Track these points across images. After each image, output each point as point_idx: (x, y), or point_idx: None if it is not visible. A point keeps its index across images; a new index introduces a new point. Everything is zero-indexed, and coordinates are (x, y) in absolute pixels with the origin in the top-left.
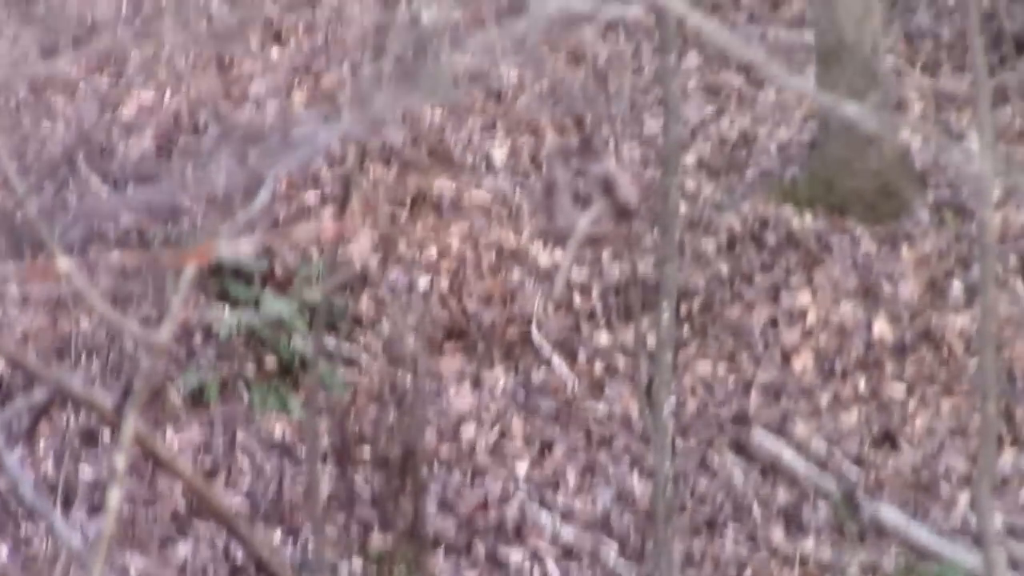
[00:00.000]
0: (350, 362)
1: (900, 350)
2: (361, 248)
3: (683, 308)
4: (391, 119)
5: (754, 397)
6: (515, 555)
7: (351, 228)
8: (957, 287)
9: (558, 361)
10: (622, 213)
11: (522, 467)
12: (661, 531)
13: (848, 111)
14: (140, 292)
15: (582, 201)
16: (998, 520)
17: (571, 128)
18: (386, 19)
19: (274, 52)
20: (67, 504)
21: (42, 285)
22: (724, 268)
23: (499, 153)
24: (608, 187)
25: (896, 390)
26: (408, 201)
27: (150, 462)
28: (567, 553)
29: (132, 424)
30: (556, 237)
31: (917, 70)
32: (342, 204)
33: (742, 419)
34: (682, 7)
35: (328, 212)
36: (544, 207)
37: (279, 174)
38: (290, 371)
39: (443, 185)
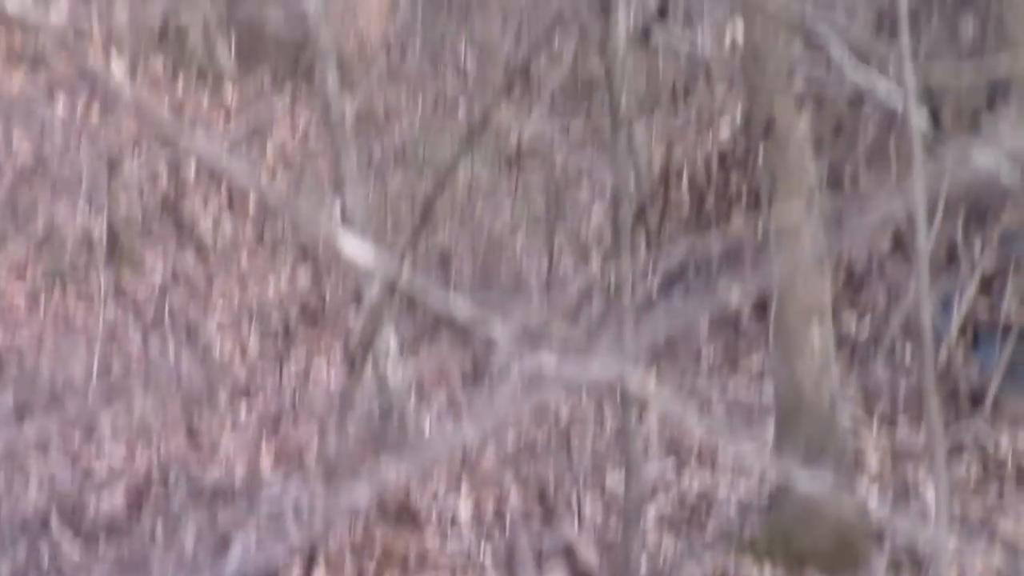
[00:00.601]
0: None
1: None
2: None
3: None
4: (357, 479)
5: None
6: None
7: None
8: None
9: None
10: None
11: None
12: None
13: (801, 479)
14: None
15: (544, 562)
16: None
17: (534, 486)
18: (353, 379)
19: (242, 410)
20: None
21: None
22: None
23: (464, 510)
24: (569, 550)
25: None
26: (374, 558)
27: None
28: None
29: None
30: None
31: (874, 423)
32: (309, 562)
33: None
34: (641, 383)
35: (296, 571)
36: (507, 570)
37: (247, 535)
38: None
39: (408, 542)
